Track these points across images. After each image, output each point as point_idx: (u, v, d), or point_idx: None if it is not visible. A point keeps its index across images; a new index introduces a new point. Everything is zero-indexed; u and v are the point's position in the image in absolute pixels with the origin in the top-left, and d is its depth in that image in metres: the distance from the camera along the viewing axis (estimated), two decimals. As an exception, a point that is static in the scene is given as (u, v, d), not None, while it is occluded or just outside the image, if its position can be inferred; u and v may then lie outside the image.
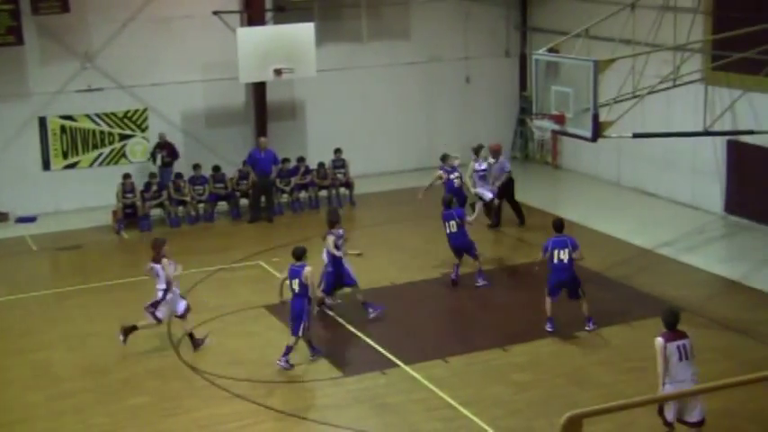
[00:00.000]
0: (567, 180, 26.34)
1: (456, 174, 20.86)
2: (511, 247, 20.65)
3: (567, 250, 15.90)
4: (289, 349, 15.08)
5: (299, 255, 15.26)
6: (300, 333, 15.02)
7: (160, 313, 15.67)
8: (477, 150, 21.69)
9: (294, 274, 15.02)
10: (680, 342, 11.85)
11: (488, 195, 21.30)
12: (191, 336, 15.92)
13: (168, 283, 15.61)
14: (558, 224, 16.22)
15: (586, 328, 16.21)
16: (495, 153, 21.92)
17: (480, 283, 18.34)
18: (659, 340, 11.83)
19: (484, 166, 21.43)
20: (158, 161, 23.78)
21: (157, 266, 15.66)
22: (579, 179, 25.98)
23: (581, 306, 16.22)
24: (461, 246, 18.20)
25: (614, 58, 17.07)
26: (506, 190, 22.04)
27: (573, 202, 24.14)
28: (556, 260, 15.98)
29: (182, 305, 15.80)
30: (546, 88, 18.18)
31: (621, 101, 17.73)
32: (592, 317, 16.26)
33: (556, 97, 17.83)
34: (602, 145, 19.91)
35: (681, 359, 11.82)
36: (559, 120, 17.75)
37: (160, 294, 15.66)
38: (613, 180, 25.37)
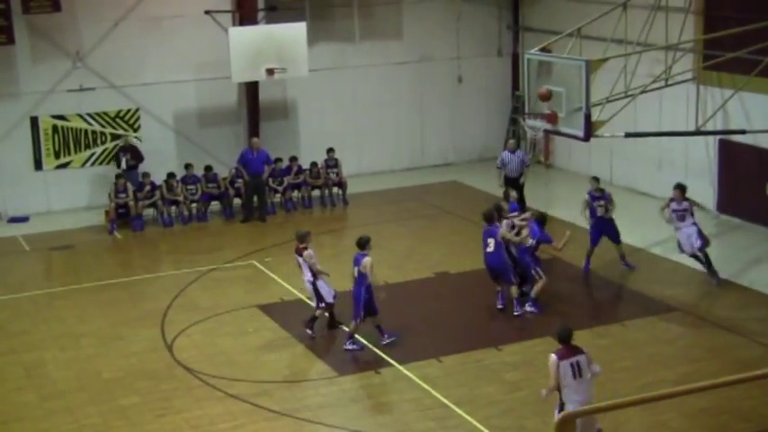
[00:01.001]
0: (559, 179, 26.37)
1: (602, 201, 19.03)
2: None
3: (491, 240, 16.73)
4: (350, 335, 15.67)
5: (363, 244, 15.59)
6: (357, 319, 15.52)
7: (328, 297, 16.08)
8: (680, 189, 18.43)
9: (356, 262, 15.52)
10: (573, 359, 11.51)
11: (698, 243, 17.98)
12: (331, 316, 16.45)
13: (314, 273, 15.97)
14: (486, 215, 16.92)
15: (515, 312, 16.73)
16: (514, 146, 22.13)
17: (519, 311, 16.92)
18: (552, 357, 11.55)
19: (685, 205, 18.14)
20: (123, 164, 23.57)
21: (299, 258, 16.03)
22: (571, 178, 25.97)
23: (511, 291, 16.88)
24: (497, 266, 17.00)
25: (606, 58, 17.09)
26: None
27: (565, 201, 24.12)
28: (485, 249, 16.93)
29: (330, 294, 16.15)
30: (538, 87, 18.18)
31: (614, 100, 17.74)
32: (518, 300, 16.80)
33: (548, 97, 17.85)
34: (594, 144, 19.94)
35: (575, 377, 11.47)
36: (552, 119, 17.76)
37: (309, 287, 16.06)
38: (606, 179, 25.30)
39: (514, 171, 22.22)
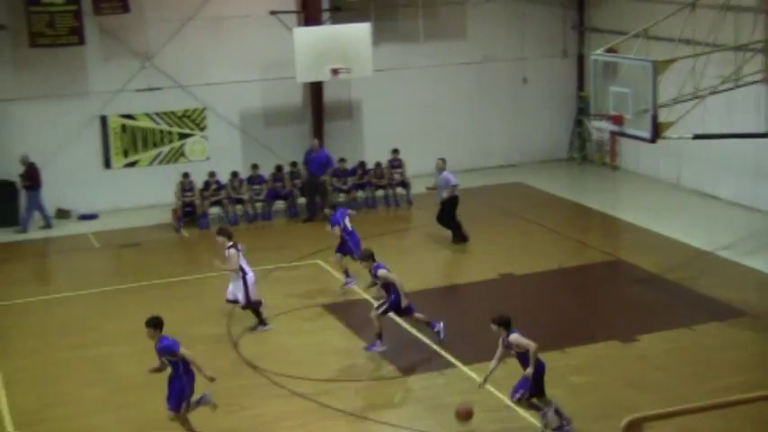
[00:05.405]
0: (625, 181, 26.10)
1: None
2: (570, 249, 20.53)
3: None
4: None
5: None
6: None
7: None
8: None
9: None
10: None
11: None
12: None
13: None
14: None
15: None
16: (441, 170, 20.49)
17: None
18: None
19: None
20: (20, 185, 23.05)
21: None
22: (638, 180, 25.74)
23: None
24: None
25: (674, 59, 16.94)
26: (448, 207, 21.06)
27: (632, 203, 23.95)
28: None
29: None
30: (604, 89, 18.08)
31: (681, 102, 17.56)
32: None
33: (614, 98, 17.75)
34: (661, 146, 19.74)
35: None
36: (618, 121, 17.67)
37: None
38: (673, 181, 25.09)
39: (440, 191, 21.28)
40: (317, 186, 23.51)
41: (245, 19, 24.76)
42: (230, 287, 16.59)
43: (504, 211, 23.54)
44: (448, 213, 21.00)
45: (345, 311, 17.47)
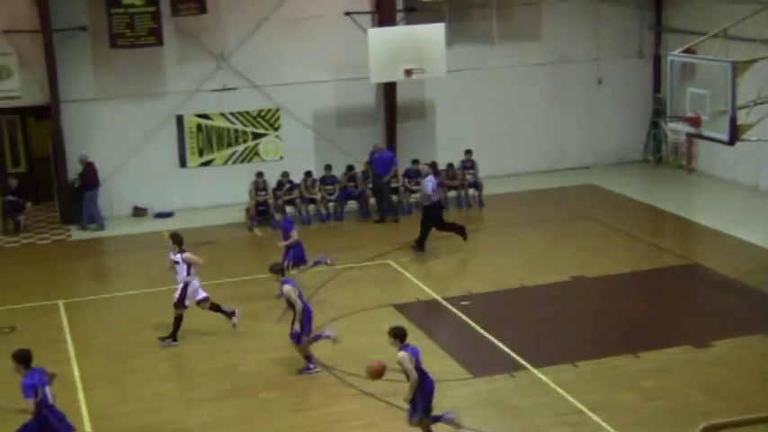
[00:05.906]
0: (701, 185, 25.68)
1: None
2: (643, 253, 20.26)
3: None
4: None
5: None
6: None
7: None
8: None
9: None
10: None
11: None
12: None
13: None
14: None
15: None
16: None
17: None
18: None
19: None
20: (75, 184, 23.31)
21: None
22: (715, 184, 25.31)
23: None
24: None
25: (754, 59, 16.62)
26: (432, 212, 20.76)
27: (708, 207, 23.54)
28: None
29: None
30: (681, 90, 17.81)
31: (761, 103, 17.22)
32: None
33: (691, 99, 17.48)
34: (739, 148, 19.39)
35: None
36: (695, 122, 17.39)
37: None
38: (752, 185, 24.60)
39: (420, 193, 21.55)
40: (380, 187, 23.57)
41: (319, 19, 24.92)
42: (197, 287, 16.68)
43: (576, 213, 23.32)
44: (433, 219, 20.72)
45: (417, 312, 17.46)
